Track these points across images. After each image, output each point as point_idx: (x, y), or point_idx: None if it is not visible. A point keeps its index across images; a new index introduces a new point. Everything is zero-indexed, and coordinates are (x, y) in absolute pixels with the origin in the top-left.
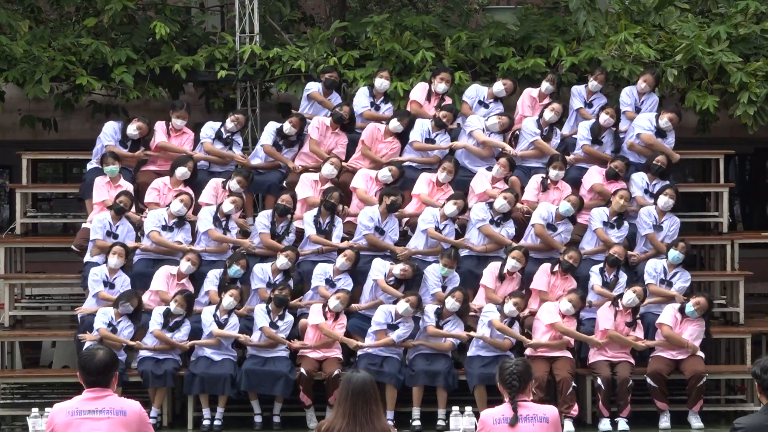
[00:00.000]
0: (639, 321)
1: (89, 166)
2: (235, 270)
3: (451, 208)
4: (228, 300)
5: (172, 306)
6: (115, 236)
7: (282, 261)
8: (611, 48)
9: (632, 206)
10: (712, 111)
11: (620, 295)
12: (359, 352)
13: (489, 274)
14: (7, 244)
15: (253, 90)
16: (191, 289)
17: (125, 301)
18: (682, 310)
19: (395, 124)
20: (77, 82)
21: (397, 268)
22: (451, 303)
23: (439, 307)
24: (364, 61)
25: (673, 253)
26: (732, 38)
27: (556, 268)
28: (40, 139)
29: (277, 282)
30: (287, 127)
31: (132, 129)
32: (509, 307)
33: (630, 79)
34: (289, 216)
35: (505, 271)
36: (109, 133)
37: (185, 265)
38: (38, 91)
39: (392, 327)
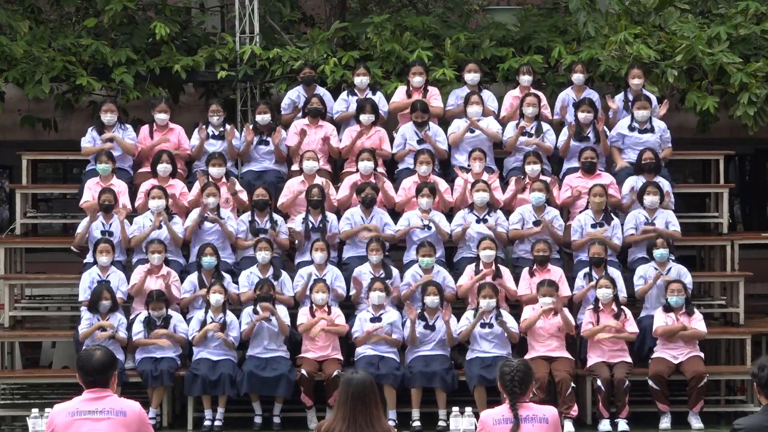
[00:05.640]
0: (625, 309)
1: (88, 168)
2: (207, 261)
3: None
4: (215, 298)
5: (152, 313)
6: (110, 234)
7: (262, 255)
8: (611, 48)
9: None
10: (712, 112)
11: (596, 300)
12: (357, 354)
13: (466, 276)
14: (7, 245)
15: (253, 90)
16: (170, 276)
17: (97, 300)
18: (668, 309)
19: (366, 117)
20: (77, 83)
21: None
22: (431, 300)
23: (422, 310)
24: (365, 61)
25: (658, 252)
26: (732, 39)
27: (534, 267)
28: (40, 139)
29: (269, 277)
30: (260, 118)
31: (107, 118)
32: (483, 304)
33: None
34: (269, 209)
35: (481, 266)
36: (90, 139)
37: (155, 258)
38: (38, 92)
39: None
